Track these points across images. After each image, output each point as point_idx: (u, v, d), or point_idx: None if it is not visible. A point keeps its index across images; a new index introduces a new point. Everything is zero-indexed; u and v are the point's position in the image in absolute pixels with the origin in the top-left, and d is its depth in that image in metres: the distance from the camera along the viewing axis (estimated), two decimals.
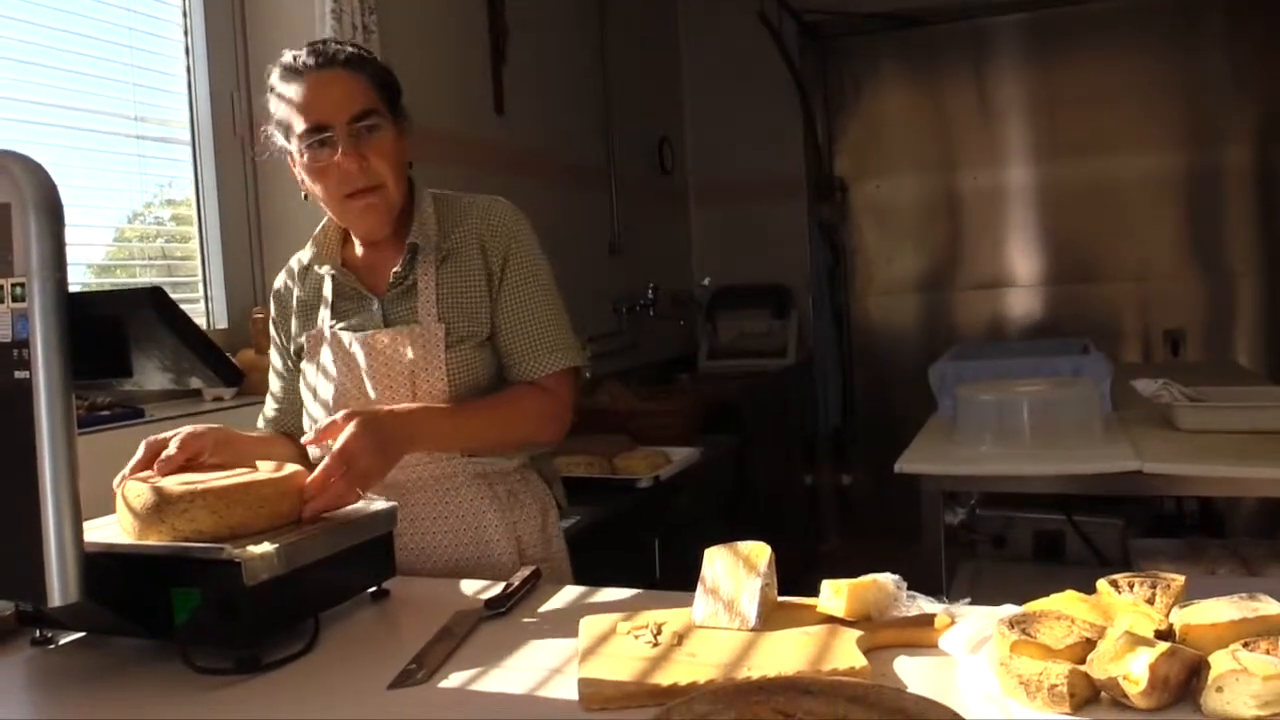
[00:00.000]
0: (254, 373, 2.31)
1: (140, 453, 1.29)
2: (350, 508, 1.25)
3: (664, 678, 0.94)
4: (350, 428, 1.29)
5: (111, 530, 1.19)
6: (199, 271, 2.45)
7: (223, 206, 2.46)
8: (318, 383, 1.57)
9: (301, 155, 1.47)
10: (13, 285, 0.99)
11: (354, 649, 1.14)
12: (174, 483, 1.15)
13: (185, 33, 2.43)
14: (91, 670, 1.13)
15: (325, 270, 1.59)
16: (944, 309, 4.79)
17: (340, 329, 1.56)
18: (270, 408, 1.71)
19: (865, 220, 4.90)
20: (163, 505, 1.11)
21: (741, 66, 4.71)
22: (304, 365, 1.60)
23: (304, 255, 1.66)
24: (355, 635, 1.19)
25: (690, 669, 0.95)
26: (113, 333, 1.03)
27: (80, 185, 2.16)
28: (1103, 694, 0.85)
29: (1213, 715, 0.81)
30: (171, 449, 1.27)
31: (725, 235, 4.86)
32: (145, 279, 2.37)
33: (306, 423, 1.58)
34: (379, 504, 1.28)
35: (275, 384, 1.71)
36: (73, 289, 1.02)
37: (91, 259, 2.27)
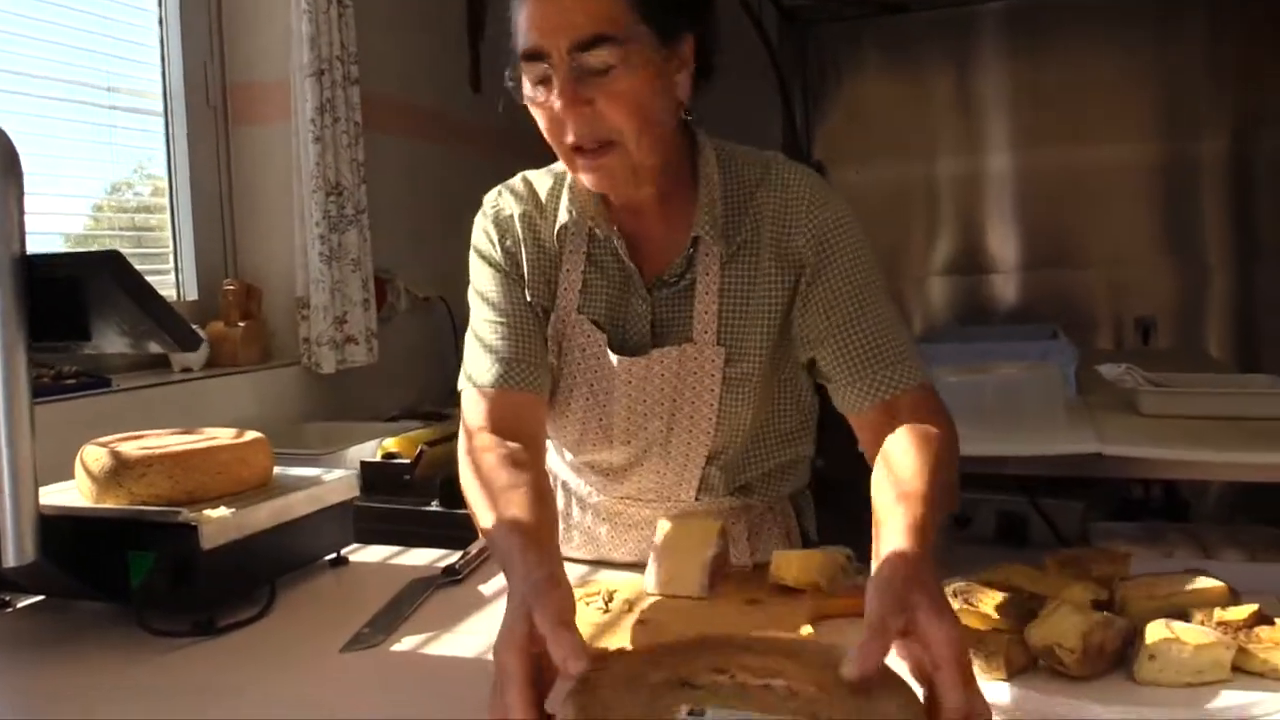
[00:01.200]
0: (224, 344, 2.32)
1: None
2: (307, 476, 1.26)
3: (612, 642, 0.95)
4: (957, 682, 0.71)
5: (71, 495, 1.19)
6: (169, 243, 2.45)
7: (194, 178, 2.45)
8: (565, 385, 1.22)
9: (519, 85, 1.08)
10: None
11: (309, 614, 1.15)
12: (132, 447, 1.16)
13: (159, 2, 2.41)
14: (47, 633, 1.14)
15: (588, 234, 1.19)
16: (918, 294, 4.81)
17: (592, 322, 1.19)
18: (494, 365, 1.17)
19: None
20: (120, 469, 1.12)
21: (719, 50, 4.70)
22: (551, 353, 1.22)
23: (541, 188, 1.24)
24: (311, 601, 1.20)
25: (639, 634, 0.97)
26: (71, 296, 1.03)
27: (52, 155, 2.15)
28: (1039, 661, 0.87)
29: (1145, 683, 0.83)
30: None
31: None
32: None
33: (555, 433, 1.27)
34: (337, 472, 1.29)
35: (496, 330, 1.19)
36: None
37: (66, 229, 2.26)
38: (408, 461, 2.01)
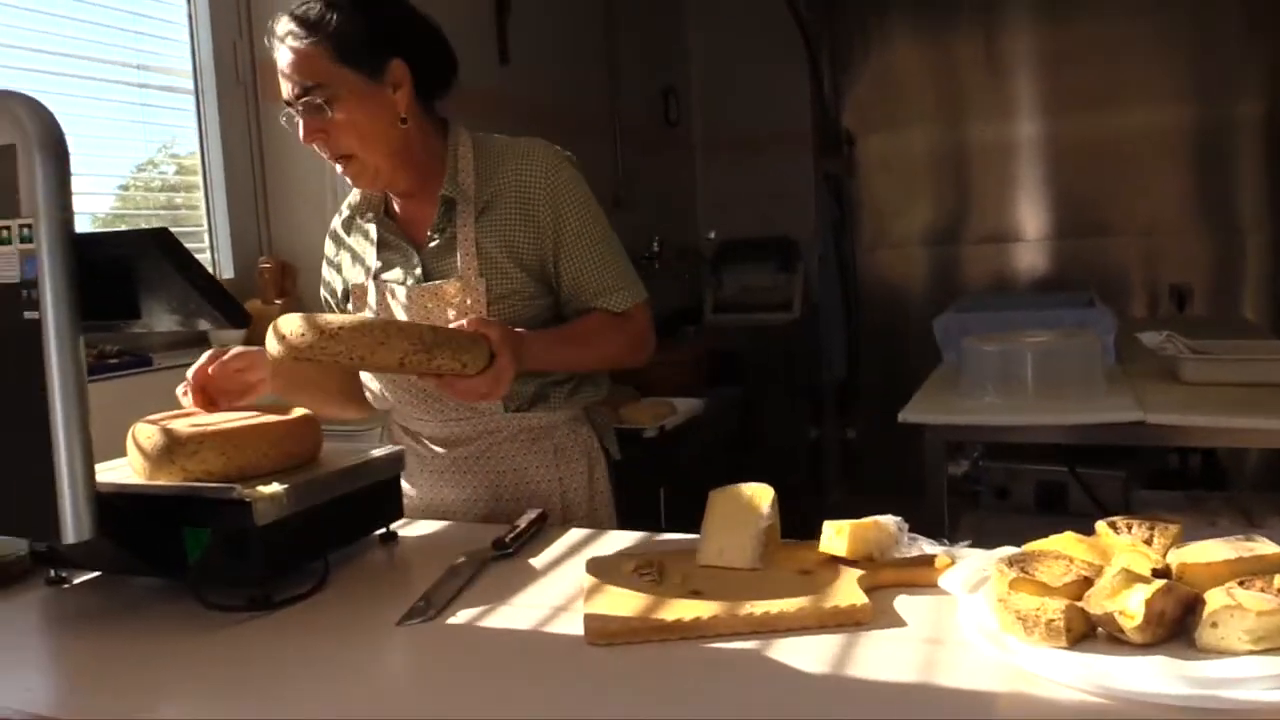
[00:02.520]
0: (261, 322, 2.32)
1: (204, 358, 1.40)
2: (357, 451, 1.27)
3: (667, 613, 0.96)
4: (498, 325, 1.30)
5: (123, 472, 1.21)
6: (204, 221, 2.46)
7: (227, 156, 2.46)
8: None
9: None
10: (20, 226, 1.00)
11: (362, 589, 1.16)
12: (184, 424, 1.17)
13: None
14: (105, 608, 1.15)
15: (368, 221, 1.57)
16: (950, 262, 4.77)
17: (383, 280, 1.54)
18: None
19: (872, 173, 4.87)
20: (173, 446, 1.13)
21: (748, 17, 4.66)
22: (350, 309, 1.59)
23: (353, 199, 1.64)
24: (363, 576, 1.21)
25: (693, 606, 0.97)
26: (120, 274, 1.04)
27: (84, 135, 2.16)
28: (1099, 629, 0.86)
29: (1207, 650, 0.82)
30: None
31: (731, 188, 4.84)
32: None
33: (366, 376, 1.60)
34: (384, 448, 1.29)
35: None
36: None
37: (97, 209, 2.27)
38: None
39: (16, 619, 1.16)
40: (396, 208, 1.57)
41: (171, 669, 0.98)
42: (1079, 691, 0.79)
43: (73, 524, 1.01)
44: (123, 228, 2.29)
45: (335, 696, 0.89)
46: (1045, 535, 1.04)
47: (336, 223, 1.66)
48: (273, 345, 1.16)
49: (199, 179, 2.45)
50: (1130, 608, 0.83)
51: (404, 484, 1.48)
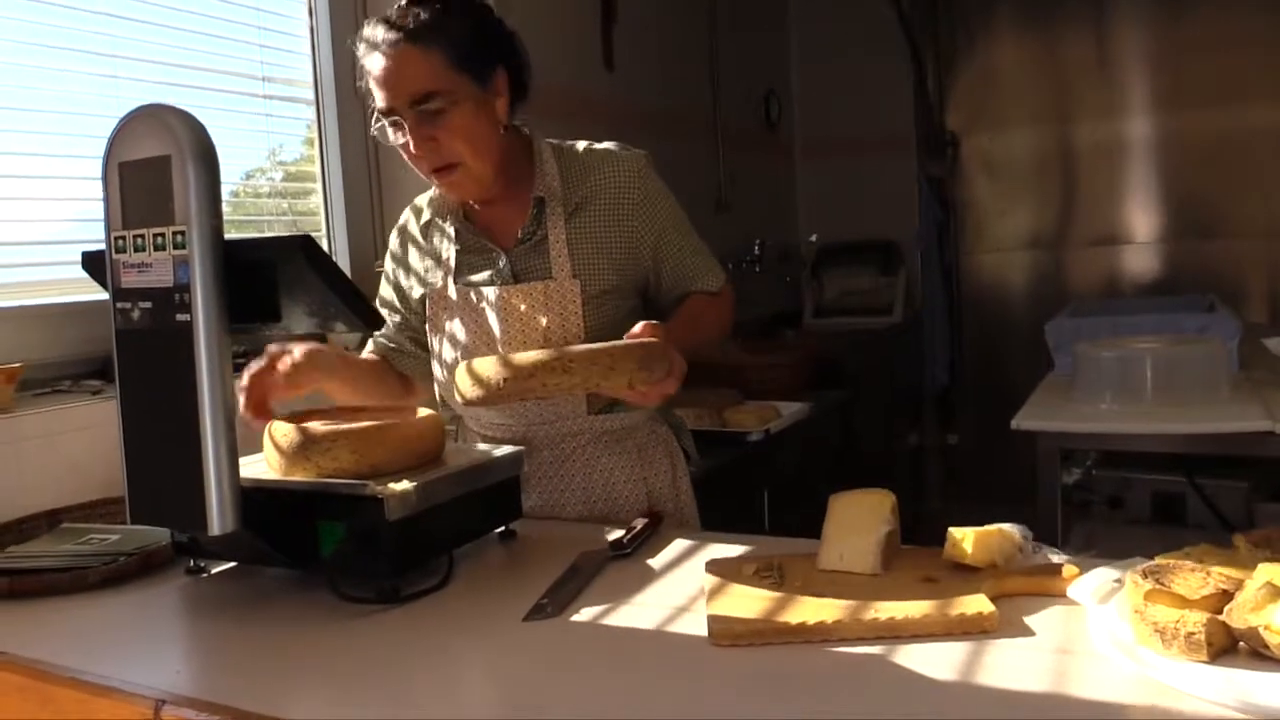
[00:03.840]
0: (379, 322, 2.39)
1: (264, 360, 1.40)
2: (480, 451, 1.30)
3: (792, 616, 0.96)
4: (661, 333, 1.32)
5: (258, 468, 1.26)
6: (321, 227, 2.54)
7: (345, 162, 2.54)
8: (445, 341, 1.56)
9: (384, 130, 1.45)
10: (174, 233, 1.06)
11: (485, 584, 1.19)
12: (319, 423, 1.21)
13: None
14: (241, 597, 1.21)
15: (448, 225, 1.57)
16: (1057, 266, 4.65)
17: (467, 284, 1.54)
18: (379, 342, 1.70)
19: (976, 175, 4.77)
20: (308, 444, 1.17)
21: (850, 18, 4.62)
22: (429, 320, 1.59)
23: (423, 201, 1.64)
24: (486, 572, 1.24)
25: (817, 608, 0.97)
26: (264, 278, 1.09)
27: (219, 144, 2.25)
28: (1240, 644, 0.84)
29: None
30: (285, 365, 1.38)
31: (832, 190, 4.80)
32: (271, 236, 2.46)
33: (438, 372, 1.59)
34: (506, 448, 1.33)
35: (388, 317, 1.69)
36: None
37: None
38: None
39: (160, 605, 1.22)
40: (477, 211, 1.57)
41: (306, 657, 1.02)
42: (1220, 707, 0.77)
43: (218, 517, 1.06)
44: (247, 233, 2.38)
45: (464, 689, 0.92)
46: (1162, 547, 1.01)
47: (412, 225, 1.65)
48: (469, 388, 1.22)
49: (313, 185, 2.54)
50: (1276, 622, 0.81)
51: None
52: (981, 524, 1.11)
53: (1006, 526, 1.08)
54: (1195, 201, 4.40)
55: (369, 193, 2.60)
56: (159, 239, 1.07)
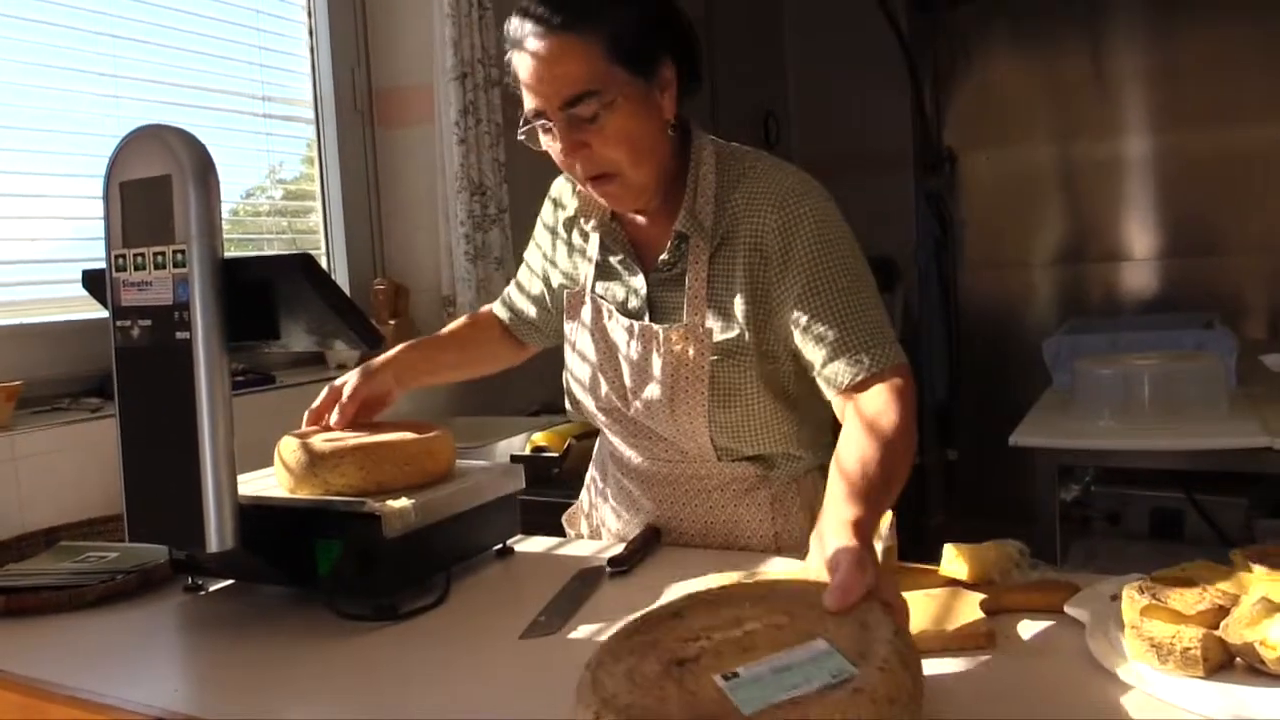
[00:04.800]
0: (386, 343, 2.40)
1: (323, 395, 1.40)
2: (478, 468, 1.30)
3: None
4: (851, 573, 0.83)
5: (257, 485, 1.26)
6: (321, 244, 2.55)
7: (344, 181, 2.55)
8: (576, 350, 1.42)
9: (533, 134, 1.25)
10: (174, 252, 1.06)
11: (483, 602, 1.19)
12: (325, 441, 1.22)
13: (308, 13, 2.51)
14: (239, 615, 1.21)
15: (591, 228, 1.38)
16: (1056, 283, 4.66)
17: (603, 298, 1.37)
18: (505, 307, 1.61)
19: (974, 192, 4.79)
20: (315, 461, 1.18)
21: (848, 37, 4.64)
22: (565, 320, 1.44)
23: (561, 193, 1.46)
24: (483, 589, 1.24)
25: None
26: (264, 297, 1.09)
27: (219, 164, 2.26)
28: (1237, 660, 0.84)
29: None
30: (344, 396, 1.37)
31: None
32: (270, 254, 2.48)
33: (570, 379, 1.44)
34: (503, 465, 1.33)
35: (520, 285, 1.58)
36: None
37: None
38: (557, 455, 2.05)
39: (158, 623, 1.22)
40: (627, 217, 1.36)
41: (304, 674, 1.02)
42: None
43: (216, 534, 1.06)
44: (247, 251, 2.39)
45: (461, 706, 0.91)
46: (1161, 563, 1.01)
47: (556, 217, 1.47)
48: None
49: (311, 203, 2.55)
50: (1271, 638, 0.81)
51: (609, 516, 1.46)
52: (980, 540, 1.11)
53: (1002, 543, 1.08)
54: (1193, 219, 4.41)
55: (368, 211, 2.62)
56: (159, 257, 1.08)
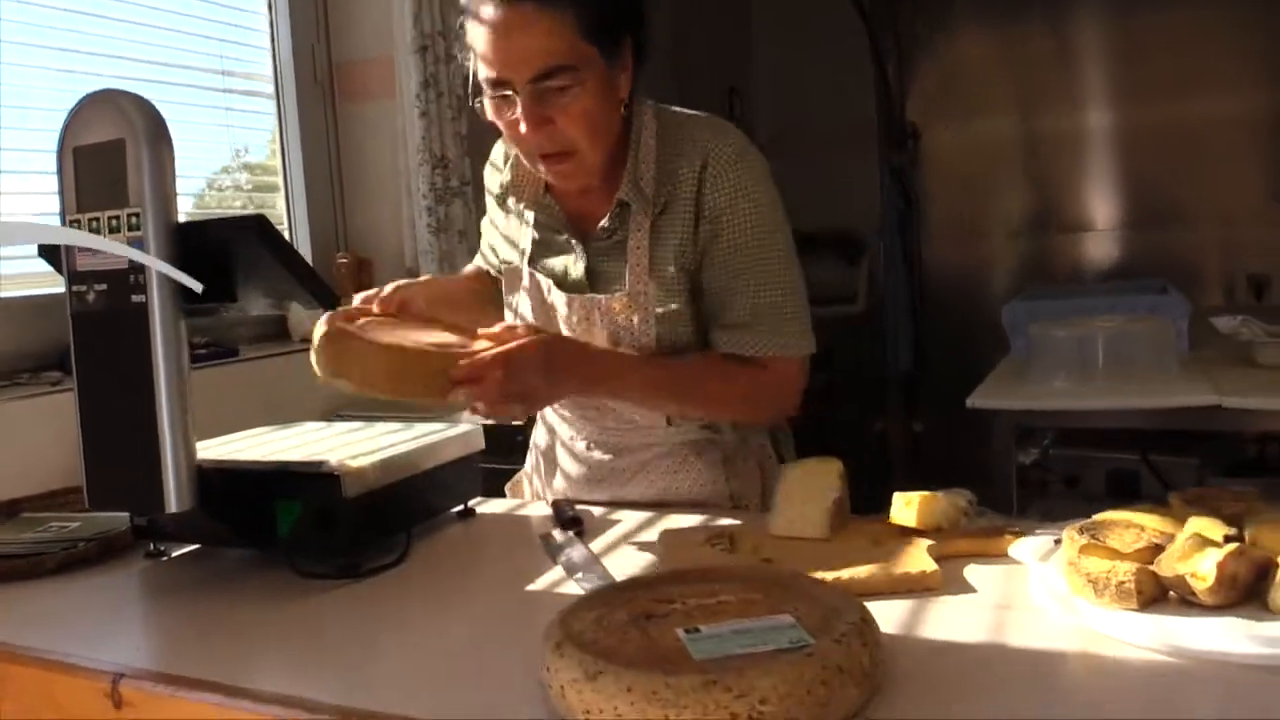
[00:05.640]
0: None
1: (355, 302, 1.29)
2: (438, 429, 1.31)
3: None
4: (525, 340, 1.11)
5: (217, 451, 1.27)
6: (284, 219, 2.54)
7: (306, 155, 2.54)
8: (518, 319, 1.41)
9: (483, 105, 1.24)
10: (128, 215, 1.07)
11: (443, 561, 1.21)
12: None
13: None
14: (201, 578, 1.21)
15: (524, 207, 1.38)
16: (1019, 254, 4.71)
17: (540, 273, 1.36)
18: (478, 263, 1.59)
19: (938, 166, 4.83)
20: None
21: (811, 12, 4.66)
22: (505, 294, 1.42)
23: (499, 158, 1.44)
24: (444, 550, 1.25)
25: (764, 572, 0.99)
26: (219, 259, 1.10)
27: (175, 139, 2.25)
28: (1170, 593, 0.87)
29: (1279, 612, 0.83)
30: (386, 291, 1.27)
31: (795, 183, 4.79)
32: None
33: None
34: (465, 426, 1.34)
35: (484, 246, 1.57)
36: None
37: (182, 210, 2.37)
38: (520, 424, 2.06)
39: (120, 588, 1.22)
40: (560, 191, 1.34)
41: (265, 631, 1.03)
42: (1149, 651, 0.80)
43: (175, 495, 1.07)
44: None
45: (421, 662, 0.93)
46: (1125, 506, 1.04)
47: (488, 170, 1.48)
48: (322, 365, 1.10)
49: (275, 179, 2.54)
50: (1202, 570, 0.84)
51: (557, 482, 1.46)
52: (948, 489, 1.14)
53: (952, 492, 1.11)
54: (1153, 190, 4.47)
55: (330, 185, 2.61)
56: (114, 221, 1.08)
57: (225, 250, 1.09)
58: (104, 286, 1.09)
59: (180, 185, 2.32)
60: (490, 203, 1.50)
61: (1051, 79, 4.59)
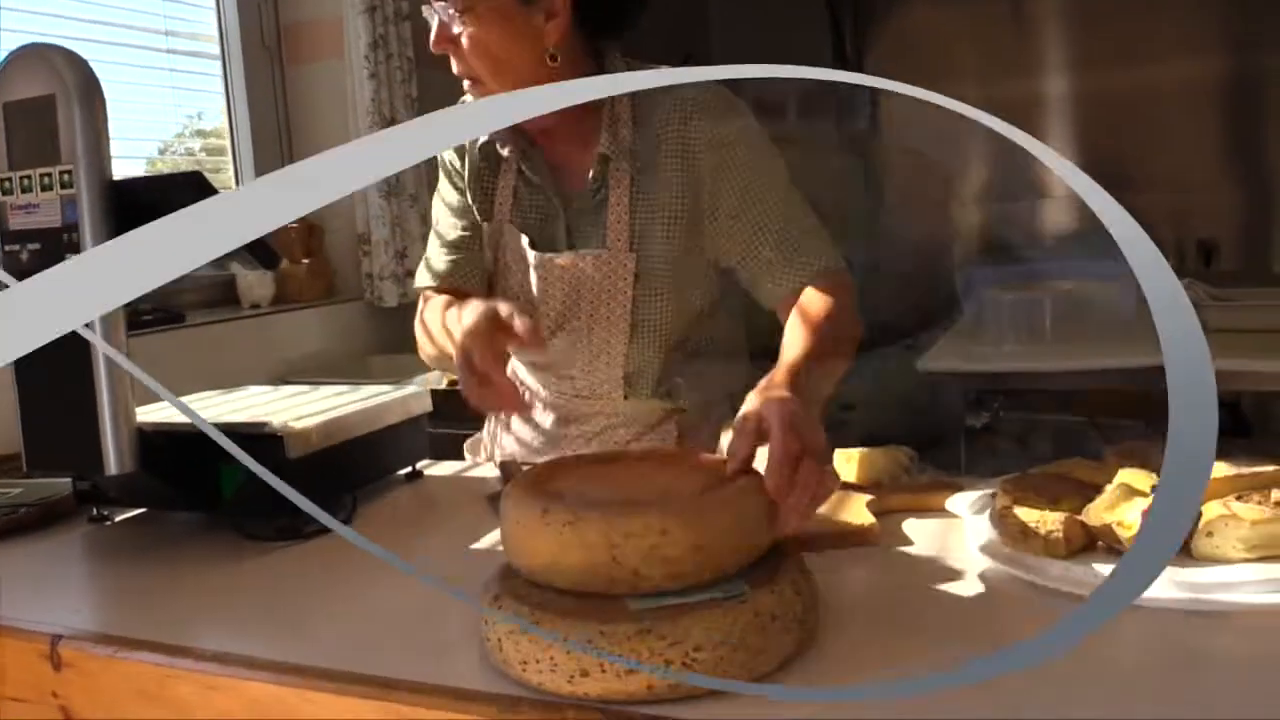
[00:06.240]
0: (289, 281, 2.38)
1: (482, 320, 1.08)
2: (385, 393, 1.31)
3: None
4: (780, 432, 0.84)
5: (160, 414, 1.25)
6: (232, 184, 2.50)
7: (254, 118, 2.50)
8: (496, 282, 1.40)
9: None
10: (60, 172, 1.05)
11: (389, 522, 1.21)
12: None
13: None
14: (145, 542, 1.20)
15: (508, 152, 1.34)
16: (977, 221, 4.75)
17: (520, 229, 1.34)
18: (441, 263, 1.41)
19: (895, 134, 4.85)
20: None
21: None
22: (485, 251, 1.39)
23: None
24: (390, 511, 1.25)
25: None
26: (156, 217, 1.08)
27: (117, 101, 2.20)
28: (1099, 542, 0.89)
29: (1202, 558, 0.85)
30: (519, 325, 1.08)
31: None
32: None
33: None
34: (411, 388, 1.34)
35: (447, 238, 1.41)
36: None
37: (127, 173, 2.33)
38: None
39: (61, 553, 1.21)
40: (541, 145, 1.34)
41: (208, 592, 1.02)
42: (1077, 599, 0.82)
43: (115, 457, 1.06)
44: None
45: (365, 622, 0.93)
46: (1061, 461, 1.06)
47: (466, 147, 1.41)
48: None
49: (225, 144, 2.50)
50: (1128, 519, 0.86)
51: (510, 445, 1.44)
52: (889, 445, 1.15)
53: (892, 448, 1.12)
54: (1106, 156, 4.52)
55: (279, 148, 2.57)
56: (46, 179, 1.06)
57: (162, 208, 1.07)
58: (37, 245, 1.07)
59: (130, 149, 2.29)
60: (452, 181, 1.43)
61: (1007, 46, 4.61)
